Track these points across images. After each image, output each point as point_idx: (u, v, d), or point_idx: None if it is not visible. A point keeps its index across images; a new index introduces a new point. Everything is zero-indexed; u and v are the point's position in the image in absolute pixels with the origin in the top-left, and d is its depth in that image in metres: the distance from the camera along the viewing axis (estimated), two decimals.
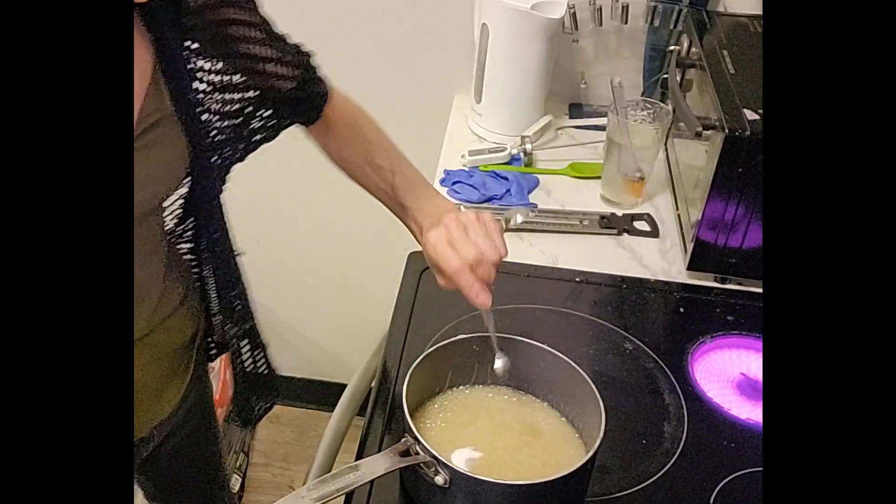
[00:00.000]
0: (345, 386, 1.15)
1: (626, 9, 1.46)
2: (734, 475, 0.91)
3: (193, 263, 1.03)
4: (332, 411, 1.12)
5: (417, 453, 0.78)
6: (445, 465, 0.76)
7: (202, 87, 0.86)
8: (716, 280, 1.21)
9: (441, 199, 0.99)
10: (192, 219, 0.98)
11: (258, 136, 0.95)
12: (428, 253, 0.89)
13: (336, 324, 2.02)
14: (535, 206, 1.33)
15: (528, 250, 1.24)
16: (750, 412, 1.00)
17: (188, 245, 1.01)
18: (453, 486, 0.77)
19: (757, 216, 1.13)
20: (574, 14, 1.47)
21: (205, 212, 0.94)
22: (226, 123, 0.90)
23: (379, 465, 0.77)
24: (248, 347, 1.06)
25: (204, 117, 0.87)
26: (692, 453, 0.94)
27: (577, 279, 1.18)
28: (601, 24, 1.49)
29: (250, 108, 0.92)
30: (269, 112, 0.94)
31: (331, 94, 0.99)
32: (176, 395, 1.03)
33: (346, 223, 1.85)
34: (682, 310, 1.16)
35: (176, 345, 1.00)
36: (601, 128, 1.43)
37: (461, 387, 0.93)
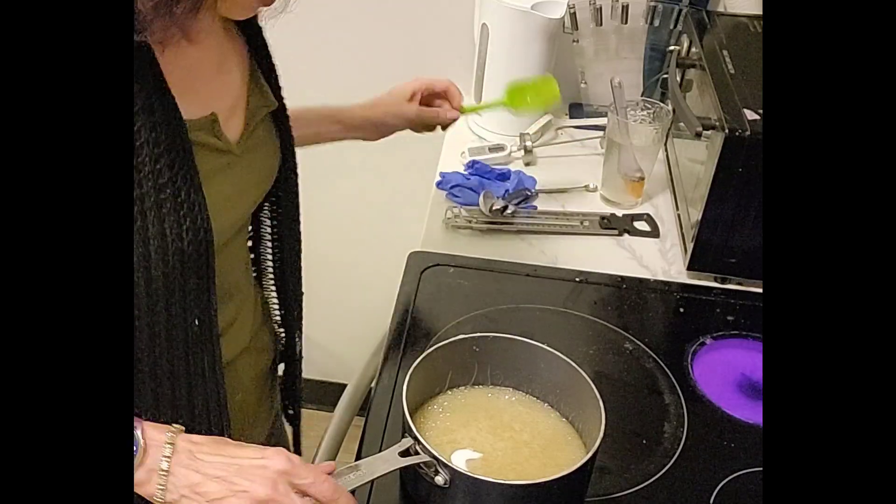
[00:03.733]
0: (345, 386, 1.14)
1: (626, 9, 1.46)
2: (734, 475, 0.91)
3: (268, 276, 1.01)
4: (332, 411, 1.12)
5: (418, 453, 0.78)
6: (446, 466, 0.76)
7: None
8: (716, 280, 1.21)
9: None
10: (275, 228, 0.96)
11: None
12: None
13: (336, 324, 2.01)
14: (534, 206, 1.33)
15: (528, 250, 1.24)
16: (750, 412, 1.00)
17: (268, 256, 0.99)
18: (453, 487, 0.77)
19: (757, 216, 1.13)
20: (574, 14, 1.47)
21: (288, 217, 0.94)
22: None
23: (379, 465, 0.77)
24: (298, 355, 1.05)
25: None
26: (692, 453, 0.94)
27: (577, 279, 1.18)
28: (601, 24, 1.49)
29: None
30: None
31: None
32: (267, 421, 1.03)
33: (347, 223, 1.85)
34: (682, 310, 1.16)
35: (264, 364, 0.99)
36: (601, 128, 1.43)
37: (461, 387, 0.92)
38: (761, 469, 0.91)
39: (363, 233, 1.83)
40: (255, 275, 0.98)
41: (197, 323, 0.76)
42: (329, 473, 0.71)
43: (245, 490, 0.65)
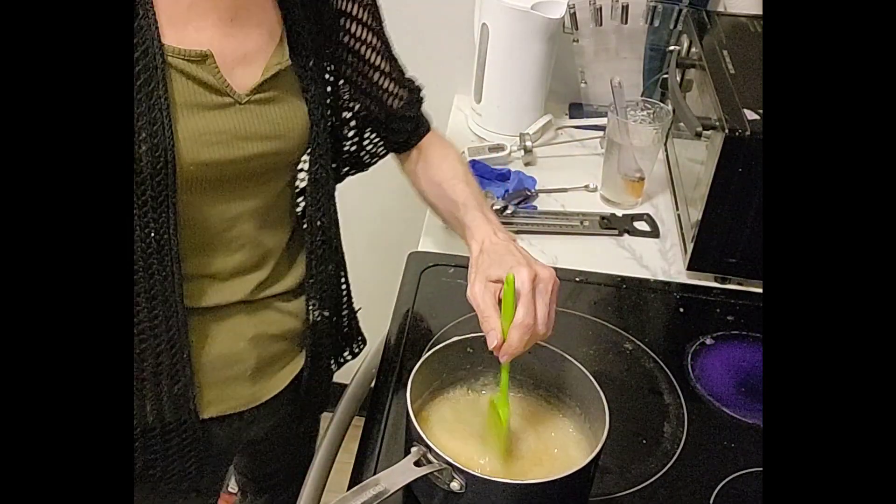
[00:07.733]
0: (345, 386, 1.14)
1: (626, 9, 1.46)
2: (734, 475, 0.91)
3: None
4: (332, 411, 1.12)
5: (430, 461, 0.78)
6: (461, 471, 0.76)
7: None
8: (716, 280, 1.21)
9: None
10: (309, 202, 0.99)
11: (356, 156, 1.08)
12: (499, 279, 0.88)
13: None
14: (534, 206, 1.33)
15: (529, 250, 1.24)
16: (750, 412, 1.00)
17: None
18: (469, 491, 0.76)
19: (757, 216, 1.13)
20: (574, 14, 1.47)
21: (321, 196, 0.97)
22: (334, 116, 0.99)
23: (397, 477, 0.77)
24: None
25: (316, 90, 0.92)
26: (692, 453, 0.94)
27: (577, 279, 1.18)
28: (601, 24, 1.49)
29: (355, 118, 1.02)
30: (374, 135, 1.06)
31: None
32: (292, 372, 1.05)
33: (346, 223, 1.85)
34: (682, 310, 1.16)
35: (295, 323, 1.02)
36: (601, 128, 1.43)
37: (463, 388, 0.92)
38: (761, 469, 0.91)
39: (363, 233, 1.83)
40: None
41: (153, 235, 0.82)
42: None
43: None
